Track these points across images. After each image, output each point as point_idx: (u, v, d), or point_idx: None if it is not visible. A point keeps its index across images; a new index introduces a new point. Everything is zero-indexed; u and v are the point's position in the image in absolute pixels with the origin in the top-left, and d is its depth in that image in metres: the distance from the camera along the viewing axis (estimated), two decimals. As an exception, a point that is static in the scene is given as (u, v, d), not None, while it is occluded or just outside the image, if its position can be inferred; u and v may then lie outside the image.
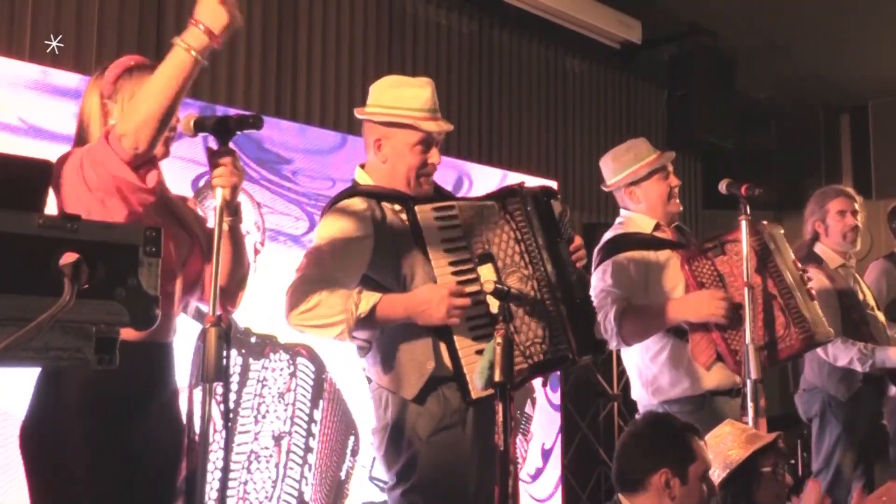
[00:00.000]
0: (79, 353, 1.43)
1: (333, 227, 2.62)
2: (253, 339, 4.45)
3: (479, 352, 2.53)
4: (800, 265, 3.49)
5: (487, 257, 2.56)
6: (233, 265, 2.36)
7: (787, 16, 6.43)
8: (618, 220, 3.65)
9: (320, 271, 2.54)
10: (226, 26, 2.09)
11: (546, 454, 5.92)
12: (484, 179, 5.45)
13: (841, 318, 4.15)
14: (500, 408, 2.29)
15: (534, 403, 5.81)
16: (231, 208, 2.26)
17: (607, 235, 3.59)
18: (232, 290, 2.41)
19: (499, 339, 2.32)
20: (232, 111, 4.07)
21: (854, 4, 6.27)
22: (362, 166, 2.82)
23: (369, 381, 2.75)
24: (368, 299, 2.50)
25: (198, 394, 2.12)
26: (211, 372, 2.01)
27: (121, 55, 2.46)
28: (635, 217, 3.57)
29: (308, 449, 4.60)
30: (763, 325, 3.28)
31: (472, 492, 2.64)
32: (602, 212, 6.84)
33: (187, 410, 2.25)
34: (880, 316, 4.37)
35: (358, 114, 2.79)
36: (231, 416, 4.28)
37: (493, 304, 2.48)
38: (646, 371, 3.50)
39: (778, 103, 8.16)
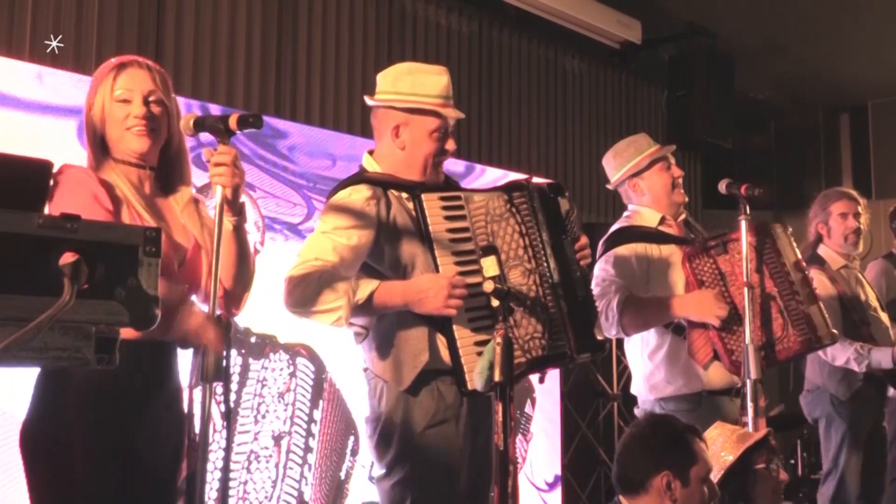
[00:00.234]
0: (78, 353, 1.42)
1: (336, 214, 2.62)
2: (253, 339, 4.45)
3: (479, 343, 2.53)
4: (804, 266, 3.48)
5: (491, 249, 2.56)
6: (238, 267, 2.35)
7: (786, 16, 6.43)
8: (625, 213, 3.67)
9: (321, 257, 2.54)
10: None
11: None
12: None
13: (841, 319, 4.17)
14: (499, 408, 2.28)
15: (533, 403, 5.81)
16: (235, 208, 2.26)
17: (613, 227, 3.61)
18: (237, 293, 2.40)
19: (498, 339, 2.32)
20: (232, 111, 4.07)
21: (854, 4, 6.28)
22: (370, 153, 2.82)
23: (365, 369, 2.75)
24: (366, 286, 2.51)
25: (197, 394, 2.12)
26: (211, 372, 2.00)
27: (120, 55, 2.46)
28: (642, 210, 3.58)
29: (308, 449, 4.60)
30: (761, 326, 3.27)
31: (463, 488, 2.64)
32: (602, 211, 6.84)
33: (187, 410, 2.26)
34: (884, 317, 4.37)
35: (372, 101, 2.78)
36: (231, 416, 4.28)
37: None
38: (644, 367, 3.52)
39: (777, 103, 8.16)
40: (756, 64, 7.09)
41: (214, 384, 2.05)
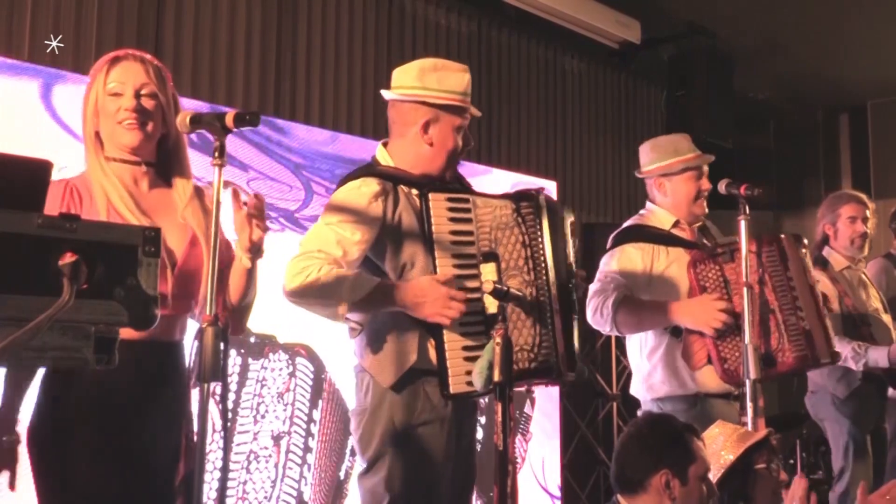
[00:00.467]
0: (78, 354, 1.42)
1: (343, 206, 2.62)
2: (252, 339, 4.45)
3: (467, 348, 2.54)
4: (815, 281, 3.47)
5: (492, 256, 2.56)
6: (244, 291, 2.36)
7: (785, 16, 6.43)
8: (641, 211, 3.68)
9: (324, 247, 2.54)
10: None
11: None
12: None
13: (841, 318, 4.18)
14: (499, 408, 2.28)
15: (533, 403, 5.81)
16: (258, 253, 2.29)
17: (625, 224, 3.63)
18: (239, 315, 2.39)
19: (498, 339, 2.32)
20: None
21: (853, 5, 6.28)
22: (384, 144, 2.81)
23: (356, 364, 2.75)
24: (366, 284, 2.51)
25: (196, 393, 2.12)
26: (208, 372, 2.00)
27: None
28: (657, 211, 3.59)
29: (307, 449, 4.60)
30: (758, 338, 3.27)
31: (445, 491, 2.65)
32: (601, 212, 6.84)
33: (188, 410, 2.26)
34: (886, 319, 4.38)
35: (396, 95, 2.75)
36: (230, 416, 4.28)
37: (491, 304, 2.47)
38: (641, 367, 3.53)
39: (777, 103, 8.15)
40: (755, 64, 7.09)
41: (212, 384, 2.04)
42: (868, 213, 4.43)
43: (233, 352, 4.32)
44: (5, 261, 1.33)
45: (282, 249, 4.57)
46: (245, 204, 2.23)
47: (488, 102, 6.04)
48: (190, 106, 4.17)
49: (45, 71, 3.90)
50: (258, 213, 2.23)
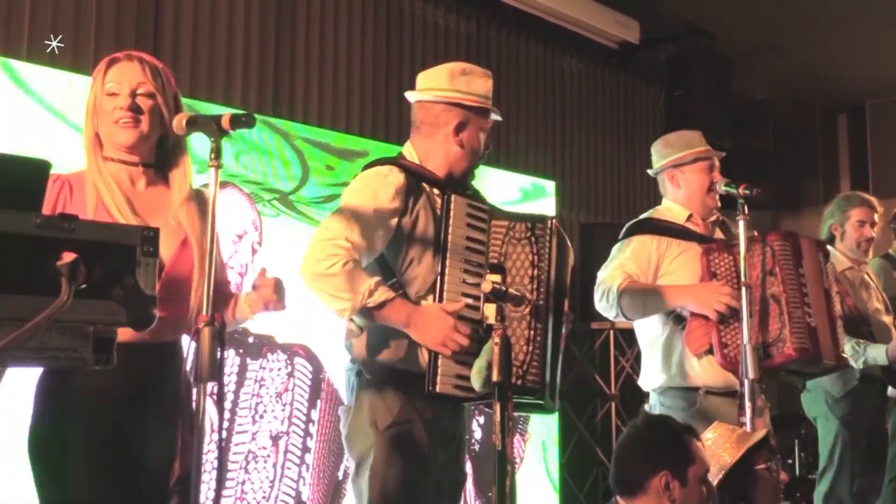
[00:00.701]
0: (76, 353, 1.42)
1: (368, 190, 2.62)
2: (250, 339, 4.45)
3: (457, 357, 2.55)
4: (830, 284, 3.47)
5: (499, 268, 2.57)
6: (237, 322, 2.50)
7: (784, 16, 6.43)
8: (657, 206, 3.69)
9: (351, 235, 2.54)
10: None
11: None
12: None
13: (842, 319, 4.17)
14: (497, 408, 2.28)
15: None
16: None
17: (641, 216, 3.65)
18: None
19: (497, 339, 2.32)
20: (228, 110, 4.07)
21: (852, 5, 6.28)
22: (410, 143, 2.84)
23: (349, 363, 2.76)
24: (382, 294, 2.51)
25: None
26: (205, 372, 2.00)
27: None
28: (672, 206, 3.60)
29: (306, 449, 4.60)
30: (759, 325, 3.27)
31: (431, 492, 2.65)
32: (599, 212, 6.85)
33: (183, 410, 2.26)
34: (887, 319, 4.38)
35: (432, 96, 2.79)
36: (222, 414, 4.27)
37: (489, 314, 2.47)
38: (645, 357, 3.55)
39: (775, 103, 8.16)
40: (754, 64, 7.09)
41: (209, 384, 2.04)
42: (876, 217, 4.44)
43: (231, 352, 4.31)
44: (4, 261, 1.33)
45: (278, 236, 4.60)
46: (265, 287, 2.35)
47: (487, 102, 6.04)
48: (188, 105, 4.17)
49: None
50: (278, 297, 2.37)
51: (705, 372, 3.36)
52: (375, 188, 2.63)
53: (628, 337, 6.36)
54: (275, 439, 4.49)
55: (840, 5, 6.28)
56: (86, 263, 1.37)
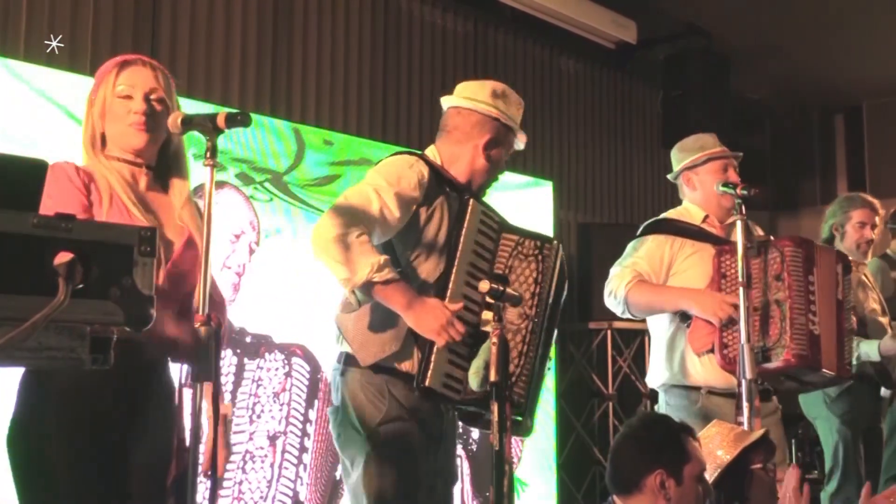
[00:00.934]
0: (73, 354, 1.42)
1: (393, 173, 2.64)
2: (248, 339, 4.45)
3: (453, 353, 2.56)
4: (843, 296, 3.48)
5: (502, 278, 2.59)
6: None
7: (781, 17, 6.44)
8: (675, 208, 3.72)
9: (367, 208, 2.55)
10: None
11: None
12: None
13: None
14: (495, 407, 2.29)
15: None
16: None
17: (659, 216, 3.69)
18: None
19: (494, 339, 2.32)
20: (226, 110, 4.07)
21: (849, 6, 6.29)
22: (435, 146, 2.86)
23: (336, 356, 2.76)
24: (390, 272, 2.50)
25: (189, 394, 2.12)
26: (202, 372, 2.00)
27: (116, 55, 2.46)
28: (689, 207, 3.64)
29: (303, 449, 4.60)
30: (759, 330, 3.27)
31: (424, 489, 2.66)
32: (597, 211, 6.85)
33: (179, 410, 2.25)
34: (884, 321, 4.38)
35: (476, 106, 2.80)
36: (218, 413, 4.27)
37: (488, 317, 2.48)
38: (652, 354, 3.60)
39: (773, 104, 8.16)
40: (751, 64, 7.10)
41: (205, 384, 2.04)
42: (877, 219, 4.44)
43: (228, 352, 4.31)
44: (1, 260, 1.33)
45: (273, 219, 4.59)
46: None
47: (484, 102, 6.04)
48: (185, 104, 4.17)
49: None
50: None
51: (707, 371, 3.38)
52: (400, 173, 2.65)
53: (626, 337, 6.37)
54: (272, 439, 4.49)
55: (838, 6, 6.28)
56: (83, 263, 1.37)
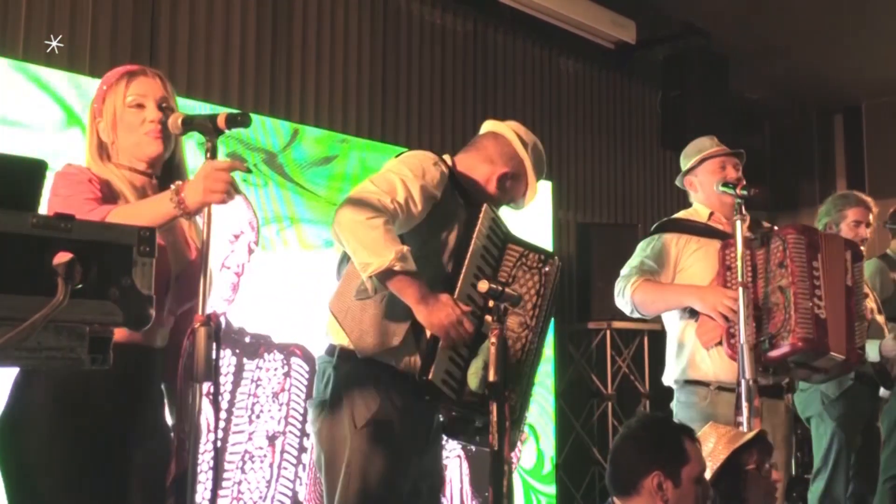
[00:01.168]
0: (72, 353, 1.42)
1: (418, 166, 2.64)
2: (247, 339, 4.45)
3: (454, 351, 2.55)
4: (852, 283, 3.47)
5: (505, 286, 2.59)
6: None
7: (781, 17, 6.44)
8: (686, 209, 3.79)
9: (394, 195, 2.54)
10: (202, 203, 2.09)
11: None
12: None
13: None
14: (494, 407, 2.28)
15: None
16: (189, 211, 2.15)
17: (670, 217, 3.78)
18: None
19: (493, 340, 2.32)
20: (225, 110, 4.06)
21: (848, 6, 6.29)
22: (456, 158, 2.89)
23: (326, 348, 2.75)
24: (410, 263, 2.49)
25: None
26: (200, 372, 2.00)
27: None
28: (697, 207, 3.71)
29: (302, 449, 4.60)
30: (763, 317, 3.28)
31: (408, 490, 2.66)
32: (596, 211, 6.85)
33: (177, 410, 2.25)
34: (880, 319, 4.38)
35: (515, 146, 2.86)
36: (225, 416, 4.28)
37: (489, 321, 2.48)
38: (667, 352, 3.62)
39: (772, 104, 8.17)
40: (750, 65, 7.10)
41: (204, 384, 2.04)
42: (872, 217, 4.44)
43: (227, 352, 4.31)
44: (0, 260, 1.33)
45: (268, 213, 4.57)
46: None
47: (483, 102, 6.05)
48: (184, 105, 4.17)
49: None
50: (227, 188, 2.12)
51: (716, 366, 3.41)
52: (425, 167, 2.66)
53: (625, 337, 6.38)
54: (271, 439, 4.49)
55: (837, 6, 6.29)
56: (82, 263, 1.37)
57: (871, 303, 4.43)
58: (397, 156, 2.77)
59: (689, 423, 2.94)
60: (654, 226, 3.72)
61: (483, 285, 2.40)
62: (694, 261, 3.52)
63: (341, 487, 2.59)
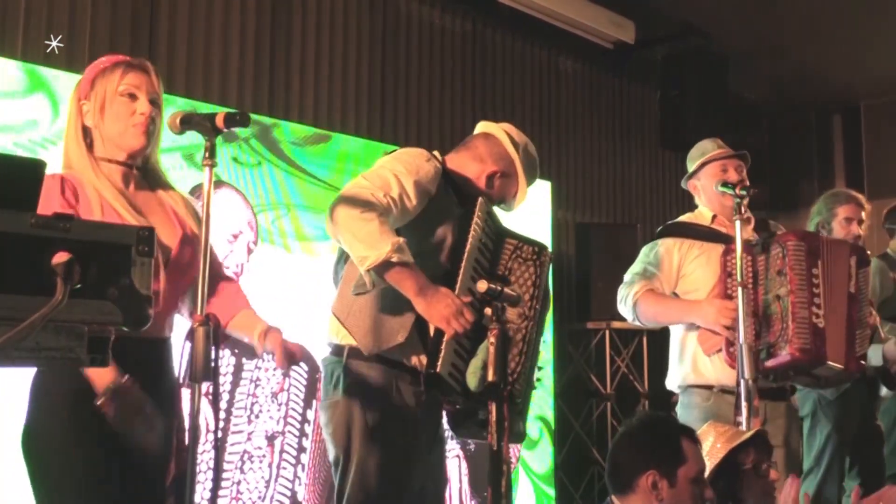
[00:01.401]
0: (71, 353, 1.42)
1: (412, 163, 2.65)
2: (246, 339, 4.44)
3: (459, 344, 2.55)
4: (855, 291, 3.47)
5: (503, 280, 2.60)
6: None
7: (779, 17, 6.44)
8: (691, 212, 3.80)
9: (389, 190, 2.55)
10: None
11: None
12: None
13: None
14: (493, 408, 2.28)
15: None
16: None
17: (674, 220, 3.79)
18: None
19: (492, 339, 2.32)
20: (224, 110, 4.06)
21: (846, 5, 6.29)
22: (446, 157, 2.89)
23: (329, 348, 2.77)
24: (407, 255, 2.49)
25: (186, 393, 2.12)
26: (199, 372, 2.00)
27: (114, 54, 2.46)
28: (701, 209, 3.72)
29: (301, 449, 4.60)
30: (760, 327, 3.28)
31: (416, 493, 2.66)
32: (595, 211, 6.85)
33: (178, 410, 2.26)
34: (876, 318, 4.37)
35: (500, 133, 2.88)
36: (224, 415, 4.28)
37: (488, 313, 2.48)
38: (670, 357, 3.63)
39: (770, 104, 8.17)
40: (749, 65, 7.10)
41: (203, 384, 2.04)
42: (864, 214, 4.42)
43: (227, 352, 4.31)
44: (-1, 260, 1.33)
45: (262, 198, 4.56)
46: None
47: (482, 102, 6.05)
48: (183, 105, 4.17)
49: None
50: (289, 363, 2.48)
51: (718, 370, 3.42)
52: (418, 163, 2.66)
53: (624, 337, 6.38)
54: (270, 439, 4.49)
55: (836, 6, 6.29)
56: (81, 263, 1.36)
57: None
58: (389, 153, 2.77)
59: (692, 425, 2.94)
60: (660, 229, 3.72)
61: (482, 285, 2.39)
62: (696, 266, 3.52)
63: (356, 486, 2.59)
